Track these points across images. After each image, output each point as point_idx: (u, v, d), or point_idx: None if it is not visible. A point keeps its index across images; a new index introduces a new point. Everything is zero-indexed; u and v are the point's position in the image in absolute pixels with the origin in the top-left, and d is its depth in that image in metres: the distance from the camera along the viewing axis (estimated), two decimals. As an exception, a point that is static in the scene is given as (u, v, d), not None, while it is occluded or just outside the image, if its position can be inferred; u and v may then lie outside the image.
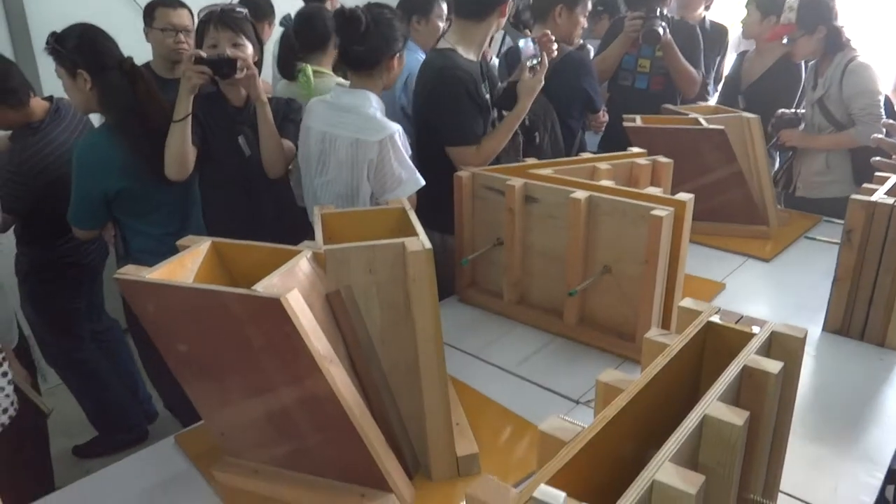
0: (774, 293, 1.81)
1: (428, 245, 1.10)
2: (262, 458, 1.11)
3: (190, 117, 1.63)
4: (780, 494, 0.95)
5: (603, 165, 1.67)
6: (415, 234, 1.18)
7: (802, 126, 2.43)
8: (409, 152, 1.64)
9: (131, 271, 1.04)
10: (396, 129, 1.58)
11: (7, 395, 1.37)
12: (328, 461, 1.06)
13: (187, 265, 1.12)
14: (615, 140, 2.27)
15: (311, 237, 1.20)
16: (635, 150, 1.82)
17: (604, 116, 2.52)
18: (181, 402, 1.18)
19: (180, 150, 1.64)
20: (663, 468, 0.63)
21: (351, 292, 1.11)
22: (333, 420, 1.00)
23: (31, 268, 2.00)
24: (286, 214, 1.90)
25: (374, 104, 1.60)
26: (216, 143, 1.77)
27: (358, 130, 1.57)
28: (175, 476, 1.17)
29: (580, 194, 1.46)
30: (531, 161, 1.75)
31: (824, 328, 1.54)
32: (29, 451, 1.73)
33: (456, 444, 1.12)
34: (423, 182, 1.61)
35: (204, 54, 1.63)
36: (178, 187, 1.76)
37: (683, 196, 1.43)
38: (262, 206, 1.84)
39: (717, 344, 0.90)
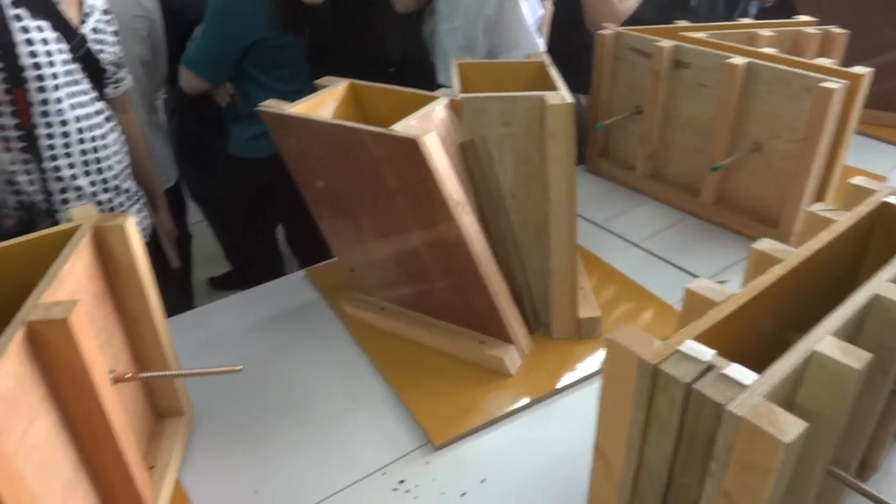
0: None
1: (570, 99, 1.04)
2: (388, 297, 1.15)
3: None
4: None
5: (765, 32, 1.50)
6: (554, 88, 1.11)
7: None
8: (538, 14, 1.53)
9: (274, 105, 1.06)
10: None
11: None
12: (451, 306, 1.08)
13: (326, 104, 1.12)
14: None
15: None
16: (803, 18, 1.62)
17: None
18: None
19: None
20: (824, 341, 0.58)
21: (485, 143, 1.08)
22: (460, 266, 1.01)
23: (177, 105, 2.09)
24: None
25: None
26: None
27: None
28: (305, 305, 1.24)
29: (738, 60, 1.32)
30: (683, 24, 1.60)
31: None
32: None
33: (578, 307, 1.10)
34: (540, 48, 1.51)
35: None
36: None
37: (860, 69, 1.27)
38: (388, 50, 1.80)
39: (891, 227, 0.81)
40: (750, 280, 0.71)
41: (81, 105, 1.33)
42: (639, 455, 0.62)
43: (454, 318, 1.09)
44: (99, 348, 0.68)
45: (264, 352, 1.12)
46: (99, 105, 1.38)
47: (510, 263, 1.11)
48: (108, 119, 1.41)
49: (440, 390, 1.01)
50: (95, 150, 1.37)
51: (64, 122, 1.30)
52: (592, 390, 1.01)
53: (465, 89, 1.13)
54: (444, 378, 1.03)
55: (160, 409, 0.94)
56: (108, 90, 1.43)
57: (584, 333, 1.10)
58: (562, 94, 1.06)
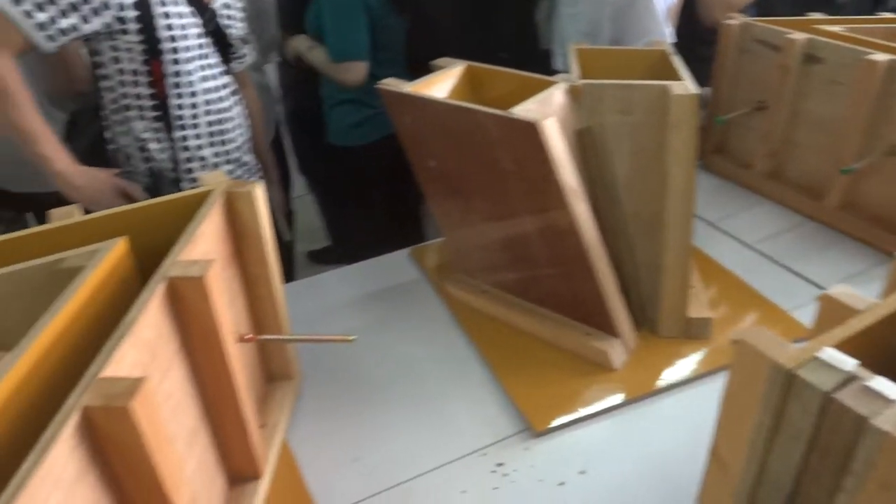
0: None
1: (695, 89, 1.01)
2: (493, 280, 1.15)
3: None
4: None
5: (910, 28, 1.40)
6: (678, 78, 1.08)
7: None
8: (669, 1, 1.48)
9: (392, 83, 1.08)
10: None
11: None
12: (557, 295, 1.07)
13: (442, 84, 1.12)
14: None
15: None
16: (956, 14, 1.49)
17: None
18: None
19: None
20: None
21: (602, 131, 1.06)
22: (570, 255, 0.99)
23: (291, 84, 2.16)
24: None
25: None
26: None
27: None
28: (408, 283, 1.25)
29: (879, 57, 1.23)
30: (817, 16, 1.51)
31: None
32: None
33: (688, 306, 1.07)
34: (668, 37, 1.46)
35: None
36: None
37: None
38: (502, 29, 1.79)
39: None
40: (891, 291, 0.67)
41: (209, 78, 1.39)
42: (761, 462, 0.60)
43: (559, 307, 1.08)
44: (226, 308, 0.71)
45: (366, 326, 1.15)
46: (225, 79, 1.44)
47: (620, 256, 1.08)
48: (232, 93, 1.46)
49: (541, 378, 1.00)
50: (220, 122, 1.42)
51: (193, 94, 1.36)
52: (699, 392, 0.98)
53: (583, 76, 1.11)
54: (545, 366, 1.02)
55: (271, 372, 0.98)
56: (234, 65, 1.49)
57: (693, 333, 1.07)
58: (686, 84, 1.02)
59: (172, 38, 1.30)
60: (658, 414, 0.95)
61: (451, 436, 0.93)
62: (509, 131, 0.94)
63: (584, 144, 1.06)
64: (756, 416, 0.58)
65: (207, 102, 1.39)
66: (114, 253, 0.70)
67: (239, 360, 0.74)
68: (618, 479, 0.86)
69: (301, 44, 1.85)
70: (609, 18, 1.45)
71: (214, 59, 1.40)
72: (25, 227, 1.69)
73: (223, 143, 1.44)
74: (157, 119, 1.35)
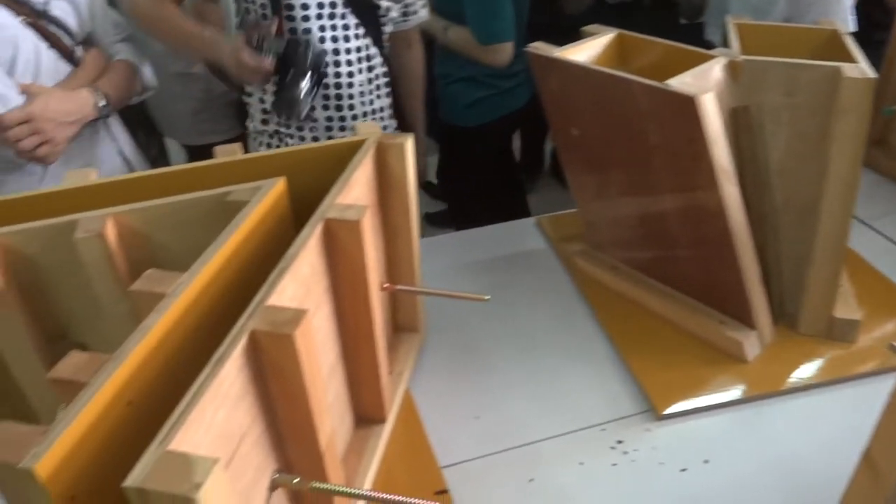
0: None
1: (871, 73, 0.93)
2: (624, 257, 1.12)
3: None
4: None
5: None
6: (851, 60, 1.00)
7: None
8: None
9: (541, 47, 1.06)
10: None
11: None
12: (693, 279, 1.03)
13: (591, 51, 1.09)
14: None
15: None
16: None
17: None
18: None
19: None
20: None
21: (760, 112, 1.00)
22: (713, 238, 0.95)
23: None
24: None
25: None
26: None
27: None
28: (533, 251, 1.25)
29: None
30: None
31: None
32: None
33: (835, 305, 1.00)
34: (851, 27, 1.34)
35: None
36: None
37: None
38: None
39: None
40: None
41: (336, 40, 1.31)
42: (925, 474, 0.55)
43: (693, 291, 1.04)
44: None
45: (489, 289, 1.14)
46: (360, 42, 1.34)
47: (763, 244, 1.02)
48: (366, 58, 1.36)
49: (667, 361, 0.97)
50: (338, 86, 1.34)
51: None
52: (836, 396, 0.93)
53: (743, 52, 1.05)
54: (672, 349, 0.99)
55: (398, 323, 1.01)
56: (387, 27, 1.40)
57: (836, 334, 1.00)
58: (862, 68, 0.94)
59: None
60: (790, 414, 0.91)
61: (569, 407, 0.93)
62: (663, 104, 0.91)
63: (738, 124, 1.00)
64: (928, 425, 0.54)
65: (327, 64, 1.30)
66: (274, 191, 0.73)
67: (379, 305, 0.77)
68: (742, 473, 0.83)
69: (434, 24, 1.82)
70: None
71: (349, 21, 1.31)
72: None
73: (339, 108, 1.35)
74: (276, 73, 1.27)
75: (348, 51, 1.33)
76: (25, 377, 0.75)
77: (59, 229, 0.69)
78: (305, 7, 1.26)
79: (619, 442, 0.87)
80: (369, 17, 1.37)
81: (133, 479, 0.42)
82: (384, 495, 0.60)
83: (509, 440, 0.88)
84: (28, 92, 1.04)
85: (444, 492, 0.81)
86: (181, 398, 0.49)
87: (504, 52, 1.72)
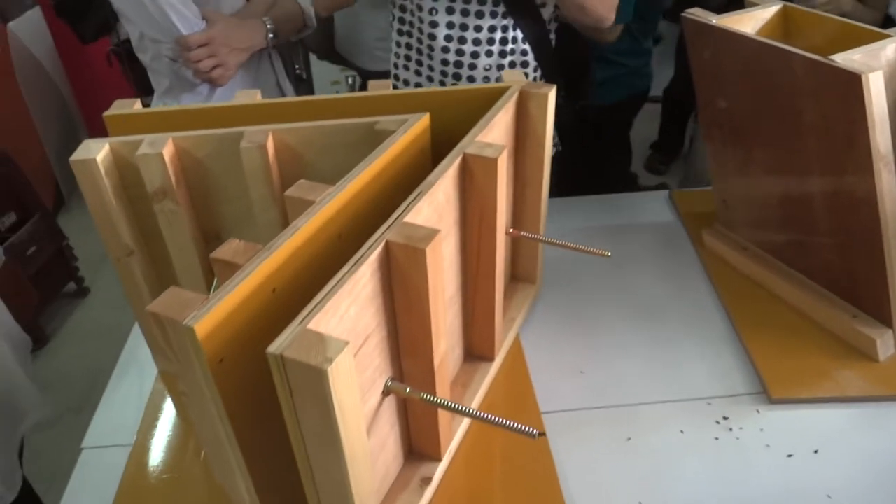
0: None
1: None
2: (756, 238, 1.08)
3: None
4: None
5: None
6: None
7: None
8: None
9: (700, 13, 1.03)
10: None
11: None
12: (829, 268, 0.98)
13: (752, 22, 1.05)
14: None
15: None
16: None
17: None
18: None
19: None
20: None
21: (934, 100, 0.92)
22: (859, 227, 0.90)
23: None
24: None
25: None
26: None
27: None
28: (662, 224, 1.23)
29: None
30: None
31: None
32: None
33: None
34: None
35: None
36: None
37: None
38: None
39: None
40: None
41: (466, 14, 1.15)
42: None
43: (827, 281, 0.99)
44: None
45: (613, 253, 1.15)
46: (493, 21, 1.16)
47: (916, 243, 0.96)
48: (500, 41, 1.18)
49: (788, 347, 0.94)
50: (458, 65, 1.20)
51: (421, 32, 1.20)
52: (978, 412, 0.86)
53: (927, 33, 0.97)
54: (795, 337, 0.96)
55: (517, 273, 1.03)
56: (547, 8, 1.20)
57: None
58: None
59: None
60: (919, 422, 0.85)
61: (677, 377, 0.92)
62: (825, 80, 0.86)
63: (907, 111, 0.94)
64: None
65: (447, 39, 1.16)
66: (419, 125, 0.78)
67: (503, 244, 0.80)
68: (853, 470, 0.79)
69: None
70: None
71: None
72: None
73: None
74: (399, 33, 1.25)
75: (478, 28, 1.16)
76: (183, 269, 0.85)
77: (228, 138, 0.77)
78: None
79: (725, 418, 0.86)
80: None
81: (275, 347, 0.48)
82: (488, 415, 0.63)
83: (611, 398, 0.89)
84: (208, 18, 1.14)
85: (542, 434, 0.83)
86: (318, 293, 0.54)
87: (616, 31, 1.68)
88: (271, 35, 1.21)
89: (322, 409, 0.48)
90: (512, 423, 0.62)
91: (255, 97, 0.86)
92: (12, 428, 1.01)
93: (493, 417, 0.63)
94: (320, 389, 0.47)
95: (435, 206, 0.68)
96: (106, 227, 0.79)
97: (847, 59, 0.86)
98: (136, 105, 0.84)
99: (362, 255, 0.58)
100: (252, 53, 1.21)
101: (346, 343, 0.48)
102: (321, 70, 2.90)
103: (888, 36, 0.94)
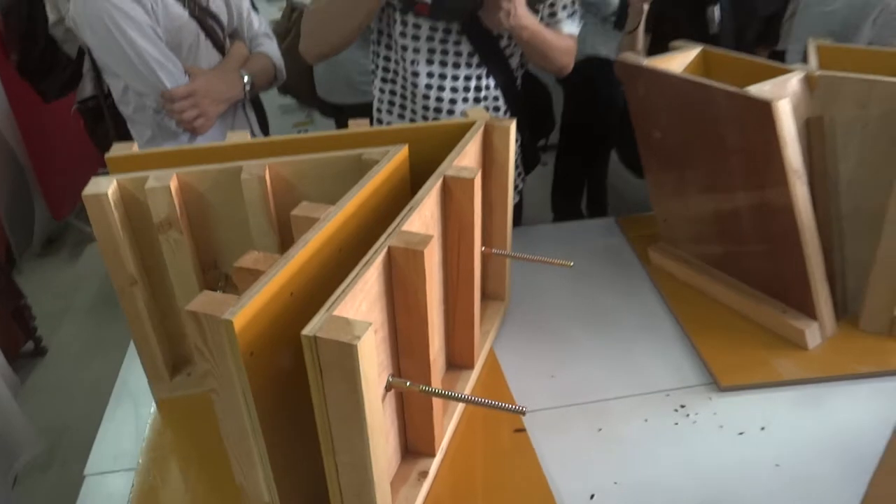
0: None
1: (943, 92, 1.00)
2: (696, 251, 1.21)
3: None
4: None
5: None
6: (925, 81, 1.07)
7: None
8: None
9: (631, 57, 1.18)
10: None
11: None
12: (760, 272, 1.11)
13: (677, 63, 1.21)
14: None
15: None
16: None
17: None
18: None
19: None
20: None
21: (833, 123, 1.08)
22: (781, 234, 1.04)
23: None
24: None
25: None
26: (673, 9, 1.48)
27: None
28: (612, 246, 1.35)
29: None
30: None
31: None
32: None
33: (896, 305, 1.07)
34: None
35: None
36: None
37: None
38: None
39: None
40: None
41: (444, 64, 1.27)
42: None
43: (759, 283, 1.12)
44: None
45: (570, 273, 1.26)
46: (470, 71, 1.27)
47: (830, 248, 1.10)
48: (475, 88, 1.30)
49: (731, 342, 1.06)
50: (438, 111, 1.30)
51: (405, 77, 1.30)
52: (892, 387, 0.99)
53: (821, 69, 1.13)
54: (736, 333, 1.08)
55: (487, 291, 1.13)
56: (514, 59, 1.33)
57: (897, 333, 1.07)
58: (934, 85, 1.02)
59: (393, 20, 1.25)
60: (846, 397, 0.97)
61: (637, 374, 1.02)
62: (742, 109, 1.01)
63: (812, 134, 1.09)
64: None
65: (427, 87, 1.27)
66: (399, 155, 0.88)
67: (479, 260, 0.89)
68: (797, 440, 0.90)
69: None
70: (875, 21, 1.41)
71: (458, 49, 1.24)
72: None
73: None
74: (383, 80, 1.34)
75: (455, 77, 1.27)
76: (184, 295, 0.91)
77: (228, 172, 0.85)
78: (417, 27, 1.24)
79: (682, 406, 0.96)
80: (487, 48, 1.28)
81: (309, 330, 0.56)
82: (478, 398, 0.72)
83: (581, 397, 0.99)
84: (191, 73, 1.23)
85: (522, 430, 0.92)
86: (328, 297, 0.62)
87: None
88: (248, 87, 1.30)
89: (350, 383, 0.56)
90: (502, 404, 0.71)
91: (245, 137, 0.94)
92: (7, 465, 1.03)
93: (485, 400, 0.71)
94: (349, 363, 0.55)
95: (423, 221, 0.77)
96: (113, 258, 0.85)
97: (759, 89, 1.01)
98: (134, 147, 0.92)
99: (369, 259, 0.66)
100: (229, 104, 1.30)
101: (370, 324, 0.56)
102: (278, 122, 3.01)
103: (791, 71, 1.10)
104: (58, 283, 2.78)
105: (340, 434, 0.61)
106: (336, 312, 0.58)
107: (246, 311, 0.59)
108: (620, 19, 1.52)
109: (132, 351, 1.10)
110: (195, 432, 0.93)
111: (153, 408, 0.99)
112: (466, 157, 0.90)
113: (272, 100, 2.50)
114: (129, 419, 1.00)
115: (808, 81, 1.09)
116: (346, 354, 0.55)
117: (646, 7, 1.33)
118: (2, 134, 2.98)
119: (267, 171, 0.85)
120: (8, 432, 1.03)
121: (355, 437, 0.60)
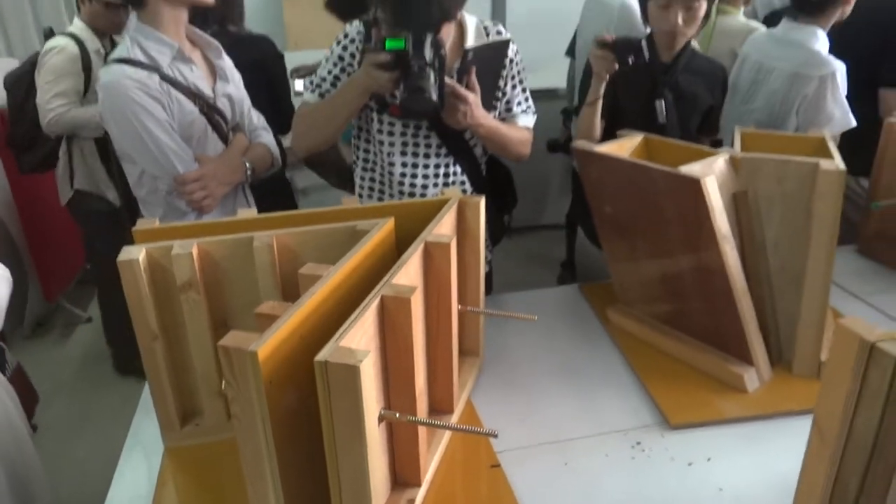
0: None
1: (842, 167, 1.19)
2: (649, 311, 1.37)
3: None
4: None
5: None
6: (829, 157, 1.27)
7: None
8: (845, 92, 1.65)
9: (585, 145, 1.37)
10: (839, 66, 1.61)
11: None
12: (703, 326, 1.27)
13: (623, 148, 1.40)
14: None
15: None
16: None
17: None
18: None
19: (589, 131, 1.59)
20: None
21: (756, 196, 1.27)
22: (718, 292, 1.20)
23: None
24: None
25: (819, 40, 1.65)
26: (627, 102, 1.66)
27: (799, 65, 1.64)
28: (573, 309, 1.51)
29: None
30: None
31: None
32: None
33: (822, 351, 1.22)
34: (853, 123, 1.62)
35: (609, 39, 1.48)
36: None
37: None
38: None
39: None
40: None
41: (416, 155, 1.44)
42: (850, 425, 0.77)
43: (703, 336, 1.27)
44: (455, 273, 1.01)
45: (537, 334, 1.41)
46: (440, 160, 1.45)
47: (762, 303, 1.26)
48: (444, 175, 1.47)
49: (680, 386, 1.20)
50: (412, 195, 1.46)
51: (375, 164, 1.49)
52: (823, 422, 1.13)
53: (744, 150, 1.33)
54: (684, 379, 1.23)
55: (463, 348, 1.27)
56: (478, 149, 1.51)
57: (824, 377, 1.21)
58: (835, 163, 1.21)
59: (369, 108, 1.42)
60: (780, 432, 1.11)
61: (598, 416, 1.15)
62: (675, 185, 1.19)
63: (739, 205, 1.27)
64: (847, 384, 0.76)
65: (402, 175, 1.44)
66: (387, 226, 1.03)
67: (455, 318, 1.04)
68: (738, 468, 1.03)
69: None
70: (799, 109, 1.63)
71: (429, 141, 1.42)
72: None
73: None
74: (363, 169, 1.51)
75: (426, 165, 1.45)
76: (198, 349, 1.03)
77: (241, 241, 1.00)
78: (392, 124, 1.41)
79: (638, 443, 1.09)
80: (453, 141, 1.45)
81: (321, 357, 0.69)
82: (458, 425, 0.84)
83: (548, 437, 1.11)
84: (200, 160, 1.40)
85: (497, 465, 1.04)
86: (338, 330, 0.76)
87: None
88: (249, 172, 1.47)
89: (353, 400, 0.69)
90: (478, 429, 0.83)
91: (254, 213, 1.10)
92: (23, 514, 1.11)
93: (464, 427, 0.84)
94: (353, 383, 0.68)
95: (409, 277, 0.92)
96: (140, 317, 0.98)
97: (690, 169, 1.20)
98: (155, 222, 1.07)
99: (365, 304, 0.80)
100: (232, 187, 1.47)
101: (369, 351, 0.70)
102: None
103: (717, 153, 1.30)
104: (48, 362, 2.84)
105: (343, 445, 0.73)
106: (343, 343, 0.72)
107: (266, 347, 0.72)
108: (582, 96, 1.69)
109: (143, 407, 1.20)
110: (201, 477, 1.04)
111: (162, 456, 1.09)
112: (444, 227, 1.06)
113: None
114: (142, 466, 1.09)
115: (733, 162, 1.28)
116: (351, 375, 0.68)
117: (607, 77, 1.51)
118: (3, 222, 3.08)
119: (274, 241, 0.99)
120: (29, 479, 1.11)
121: (356, 447, 0.72)
